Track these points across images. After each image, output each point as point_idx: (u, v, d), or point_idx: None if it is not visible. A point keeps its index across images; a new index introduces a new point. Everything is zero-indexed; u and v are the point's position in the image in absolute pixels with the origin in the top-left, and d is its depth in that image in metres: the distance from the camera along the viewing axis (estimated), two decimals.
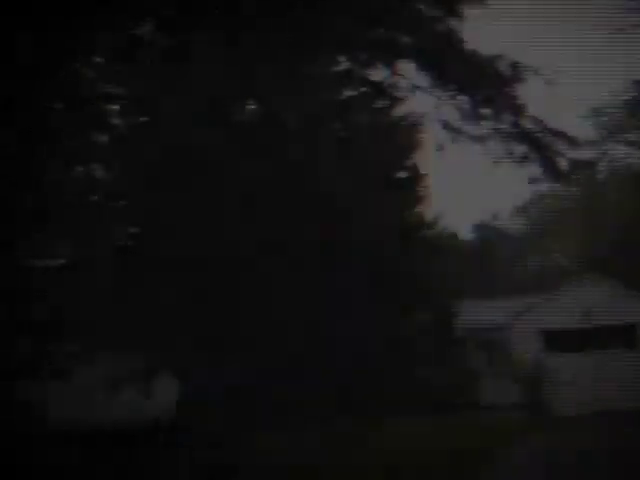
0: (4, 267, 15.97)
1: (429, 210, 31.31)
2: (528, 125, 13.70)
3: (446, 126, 13.79)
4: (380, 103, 26.04)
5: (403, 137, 27.22)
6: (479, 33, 13.27)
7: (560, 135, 13.82)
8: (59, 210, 18.19)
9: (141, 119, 19.78)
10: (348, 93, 23.25)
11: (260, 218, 20.19)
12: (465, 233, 47.97)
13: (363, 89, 23.22)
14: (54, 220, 18.23)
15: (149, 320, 21.27)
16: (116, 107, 19.78)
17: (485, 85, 13.24)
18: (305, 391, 21.92)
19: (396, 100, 25.24)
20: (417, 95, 14.64)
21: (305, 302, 22.02)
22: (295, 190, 20.50)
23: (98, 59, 14.99)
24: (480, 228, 47.50)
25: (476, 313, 28.36)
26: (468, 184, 48.71)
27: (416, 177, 28.40)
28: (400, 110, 26.65)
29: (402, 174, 28.40)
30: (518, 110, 13.43)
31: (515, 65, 13.18)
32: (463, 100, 13.24)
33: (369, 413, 20.41)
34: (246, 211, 20.14)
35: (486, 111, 13.45)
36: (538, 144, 13.68)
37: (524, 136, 13.62)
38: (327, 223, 21.64)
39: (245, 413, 20.77)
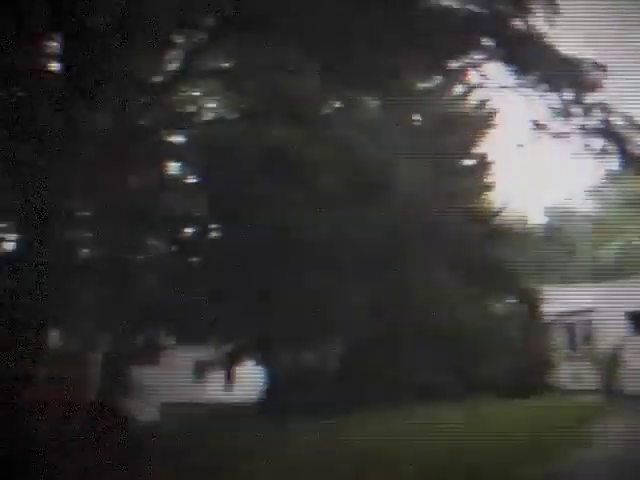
0: (109, 264, 16.90)
1: (506, 196, 31.42)
2: (610, 120, 13.86)
3: (531, 123, 14.07)
4: (453, 92, 26.31)
5: (475, 125, 27.41)
6: (560, 33, 13.44)
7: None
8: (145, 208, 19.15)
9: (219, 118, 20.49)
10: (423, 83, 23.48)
11: (338, 209, 20.75)
12: (544, 218, 47.83)
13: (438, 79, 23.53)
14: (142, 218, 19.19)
15: (233, 309, 22.11)
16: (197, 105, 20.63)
17: (568, 83, 13.45)
18: (393, 374, 22.53)
19: (469, 89, 25.53)
20: (500, 92, 14.95)
21: (386, 289, 22.48)
22: (372, 182, 20.91)
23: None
24: (559, 213, 47.19)
25: (558, 297, 28.34)
26: (547, 169, 48.30)
27: (488, 164, 28.54)
28: (472, 99, 26.92)
29: (476, 161, 28.60)
30: (602, 107, 13.61)
31: (597, 64, 13.36)
32: (549, 98, 13.51)
33: (453, 396, 20.78)
34: (325, 201, 20.71)
35: (570, 108, 13.66)
36: (618, 138, 13.83)
37: (605, 131, 13.80)
38: (405, 212, 22.01)
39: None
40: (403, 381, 22.52)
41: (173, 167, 21.71)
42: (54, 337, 16.30)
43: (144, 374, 20.67)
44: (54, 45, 15.67)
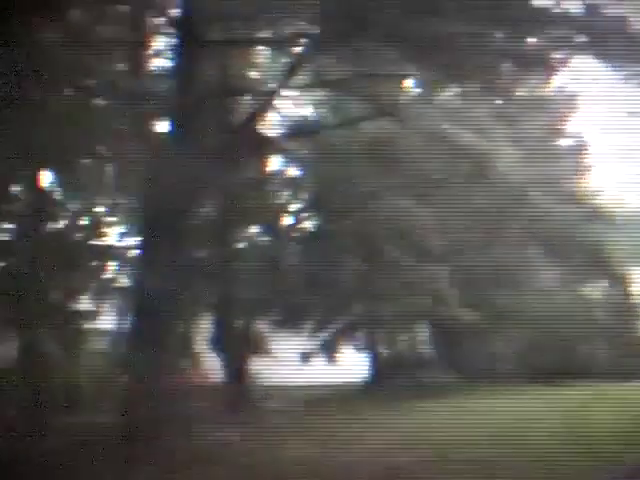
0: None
1: (603, 178, 31.03)
2: None
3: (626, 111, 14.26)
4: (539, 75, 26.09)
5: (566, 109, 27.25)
6: None
7: None
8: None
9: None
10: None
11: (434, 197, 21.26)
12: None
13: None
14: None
15: (336, 296, 22.98)
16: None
17: None
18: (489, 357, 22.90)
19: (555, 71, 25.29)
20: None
21: (482, 274, 22.84)
22: (467, 169, 21.28)
23: None
24: None
25: None
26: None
27: (585, 146, 28.36)
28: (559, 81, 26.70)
29: (571, 144, 28.45)
30: None
31: None
32: None
33: (551, 381, 20.90)
34: (420, 190, 21.26)
35: None
36: None
37: None
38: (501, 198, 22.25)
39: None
40: (498, 364, 22.90)
41: (277, 163, 22.72)
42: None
43: (252, 360, 21.85)
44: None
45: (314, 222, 24.27)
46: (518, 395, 18.70)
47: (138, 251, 17.39)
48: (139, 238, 16.63)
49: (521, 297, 23.06)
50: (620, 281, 26.16)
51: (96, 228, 20.72)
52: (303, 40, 14.80)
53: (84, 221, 20.28)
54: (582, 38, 13.29)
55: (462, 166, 21.12)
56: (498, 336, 23.28)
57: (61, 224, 20.27)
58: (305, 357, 24.70)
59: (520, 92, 24.42)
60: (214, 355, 21.18)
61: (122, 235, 21.45)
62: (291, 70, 15.75)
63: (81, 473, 11.77)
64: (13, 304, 19.10)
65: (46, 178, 18.91)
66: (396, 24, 12.81)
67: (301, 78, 16.89)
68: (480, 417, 15.32)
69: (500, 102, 23.65)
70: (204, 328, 20.64)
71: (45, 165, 17.61)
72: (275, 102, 16.96)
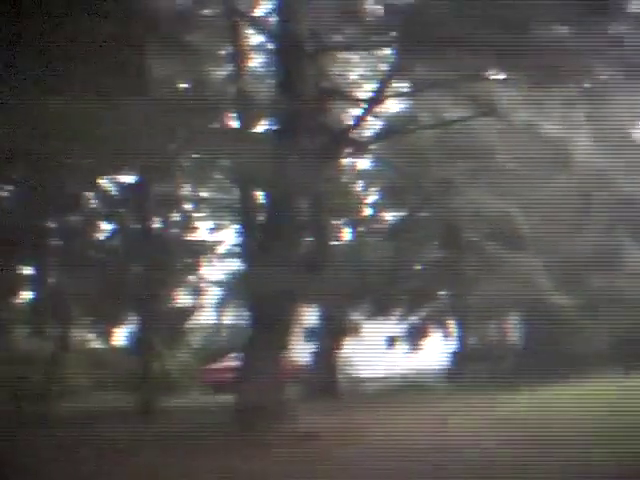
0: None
1: None
2: None
3: None
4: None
5: None
6: None
7: None
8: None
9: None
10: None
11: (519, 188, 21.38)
12: None
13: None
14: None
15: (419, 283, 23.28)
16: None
17: None
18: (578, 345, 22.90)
19: None
20: None
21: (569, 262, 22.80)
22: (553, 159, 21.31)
23: None
24: None
25: None
26: None
27: None
28: None
29: None
30: None
31: None
32: None
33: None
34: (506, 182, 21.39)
35: None
36: None
37: None
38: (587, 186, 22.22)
39: None
40: (588, 351, 22.83)
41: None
42: None
43: (342, 349, 22.41)
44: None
45: (405, 213, 24.67)
46: (613, 383, 18.67)
47: (235, 248, 18.09)
48: (236, 234, 17.24)
49: (613, 283, 22.88)
50: None
51: (190, 224, 21.50)
52: (397, 45, 15.06)
53: (180, 218, 21.03)
54: None
55: (550, 155, 21.15)
56: (591, 323, 23.15)
57: (157, 222, 21.08)
58: (391, 342, 25.17)
59: (604, 76, 24.25)
60: (308, 344, 21.80)
61: (213, 230, 22.24)
62: (388, 74, 16.06)
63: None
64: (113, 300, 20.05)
65: (143, 178, 19.69)
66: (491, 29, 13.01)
67: (396, 81, 17.14)
68: (576, 408, 15.26)
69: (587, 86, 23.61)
70: (301, 319, 21.24)
71: (141, 165, 18.26)
72: (372, 105, 17.19)
